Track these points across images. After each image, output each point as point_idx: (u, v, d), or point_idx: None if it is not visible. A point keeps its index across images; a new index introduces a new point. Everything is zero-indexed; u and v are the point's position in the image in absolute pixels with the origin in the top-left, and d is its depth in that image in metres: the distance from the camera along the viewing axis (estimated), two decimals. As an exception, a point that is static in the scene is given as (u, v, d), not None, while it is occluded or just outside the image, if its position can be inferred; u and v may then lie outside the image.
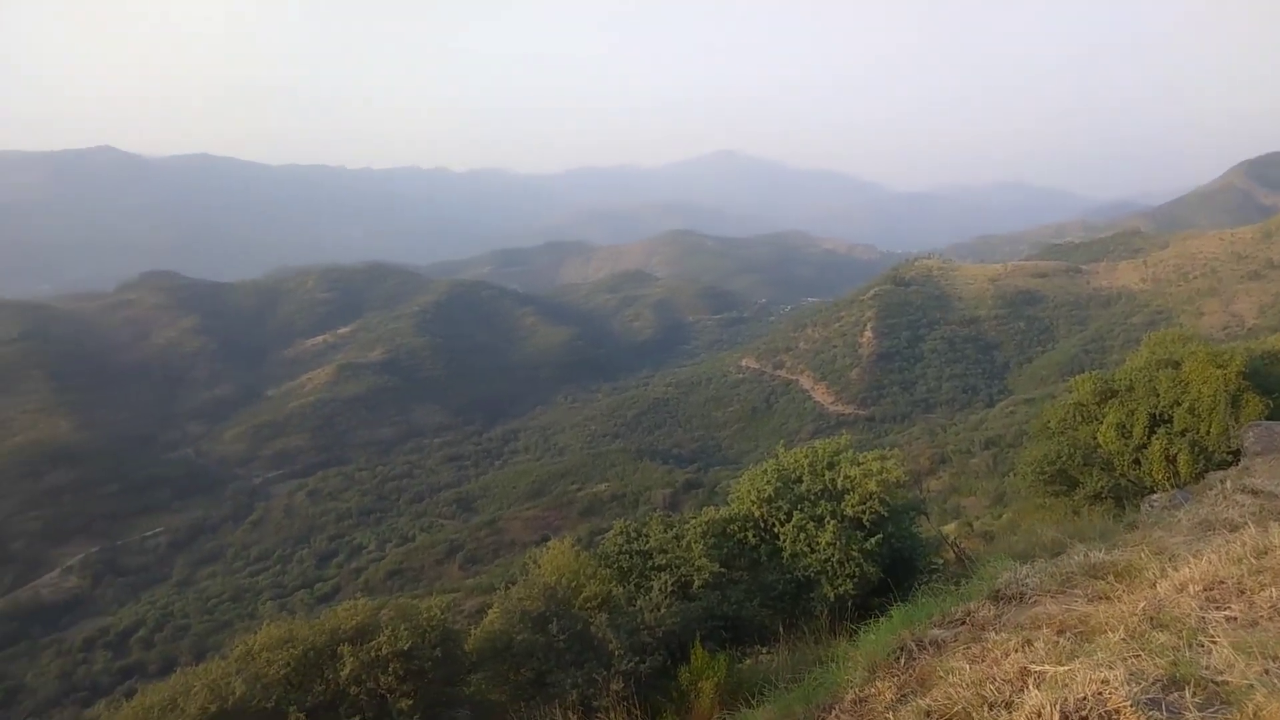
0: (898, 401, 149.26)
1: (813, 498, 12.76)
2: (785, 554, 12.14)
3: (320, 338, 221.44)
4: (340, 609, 9.99)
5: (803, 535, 12.12)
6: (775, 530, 12.60)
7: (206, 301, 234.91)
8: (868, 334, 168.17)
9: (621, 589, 11.58)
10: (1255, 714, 3.04)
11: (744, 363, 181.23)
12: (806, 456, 13.68)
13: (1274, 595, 4.27)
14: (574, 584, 11.08)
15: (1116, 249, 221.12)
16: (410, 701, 8.81)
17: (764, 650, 10.81)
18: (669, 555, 12.11)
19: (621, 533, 13.09)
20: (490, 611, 11.30)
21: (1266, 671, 3.41)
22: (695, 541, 12.03)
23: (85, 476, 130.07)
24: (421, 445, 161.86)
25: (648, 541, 12.61)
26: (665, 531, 12.75)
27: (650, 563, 12.19)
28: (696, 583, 11.55)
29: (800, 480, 13.20)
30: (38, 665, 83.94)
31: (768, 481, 13.12)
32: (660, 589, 10.86)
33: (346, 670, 8.89)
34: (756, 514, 12.83)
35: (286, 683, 9.07)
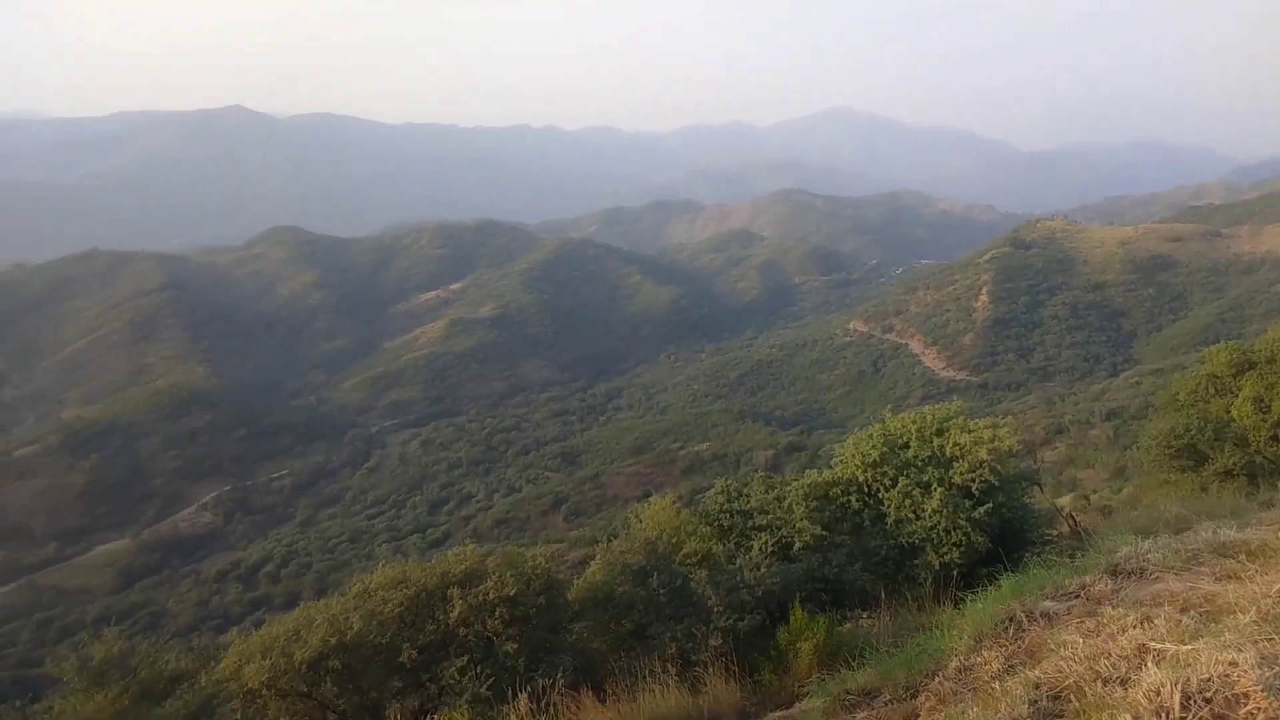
0: (1013, 369, 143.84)
1: (920, 464, 12.48)
2: (890, 519, 11.96)
3: (433, 293, 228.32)
4: (450, 554, 10.40)
5: (908, 501, 11.91)
6: (880, 495, 12.41)
7: (327, 256, 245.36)
8: (983, 298, 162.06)
9: (721, 547, 11.65)
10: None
11: (852, 325, 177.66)
12: (915, 422, 13.35)
13: None
14: (675, 540, 11.22)
15: (1262, 211, 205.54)
16: (515, 645, 9.13)
17: (865, 615, 10.73)
18: (770, 516, 12.08)
19: (723, 492, 13.13)
20: (593, 563, 11.57)
21: None
22: (797, 503, 11.96)
23: (218, 420, 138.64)
24: (529, 400, 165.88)
25: (749, 501, 12.61)
26: (767, 492, 12.72)
27: (751, 523, 12.20)
28: (797, 544, 11.50)
29: (907, 446, 12.92)
30: (177, 593, 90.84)
31: (873, 446, 12.88)
32: (760, 549, 10.86)
33: (456, 612, 9.29)
34: (861, 478, 12.64)
35: (400, 621, 9.55)
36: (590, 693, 8.00)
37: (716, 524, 12.42)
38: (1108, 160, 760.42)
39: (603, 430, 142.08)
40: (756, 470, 66.17)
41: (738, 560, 10.50)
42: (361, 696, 9.52)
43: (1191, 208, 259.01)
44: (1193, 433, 22.59)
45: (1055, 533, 13.18)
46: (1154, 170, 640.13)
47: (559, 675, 8.28)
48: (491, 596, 9.33)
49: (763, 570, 9.99)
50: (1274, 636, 3.57)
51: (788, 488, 12.77)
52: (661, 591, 9.58)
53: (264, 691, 9.07)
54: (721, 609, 9.19)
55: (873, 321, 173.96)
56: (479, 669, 8.80)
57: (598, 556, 11.49)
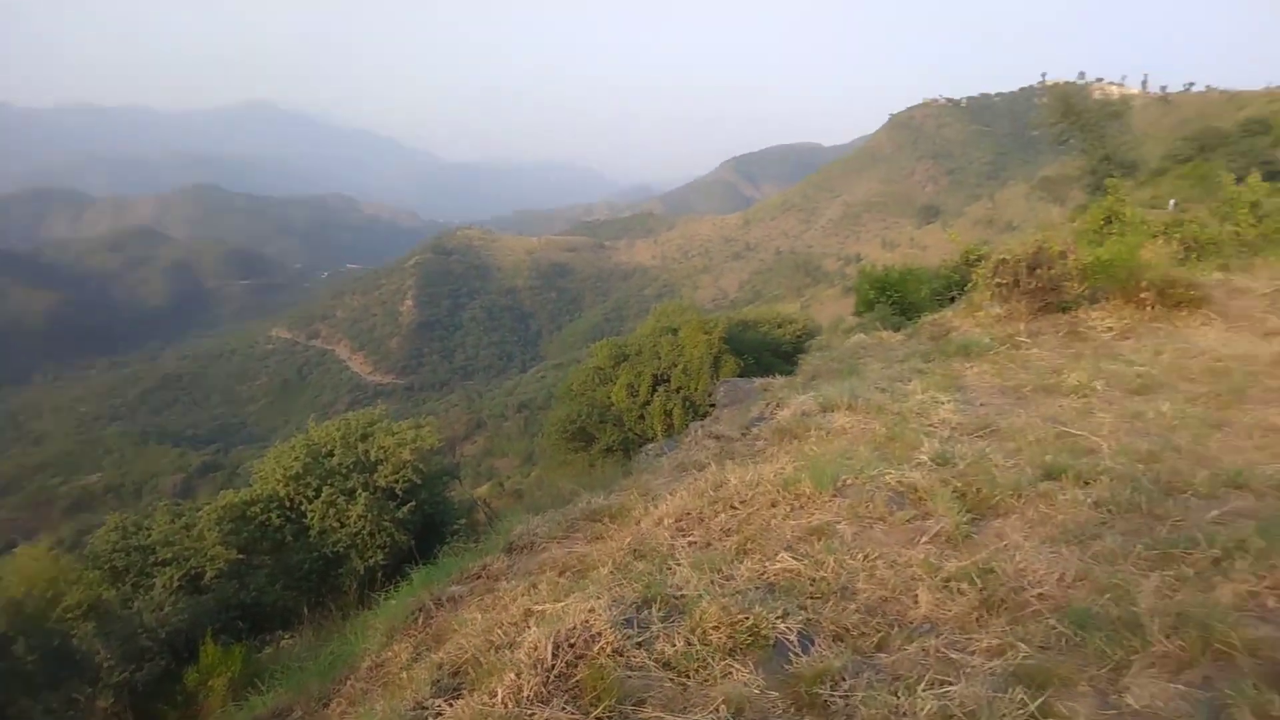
0: (437, 369, 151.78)
1: (344, 471, 12.44)
2: (313, 532, 11.68)
3: None
4: None
5: (332, 511, 11.78)
6: (303, 509, 12.05)
7: None
8: (408, 302, 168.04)
9: (115, 591, 10.14)
10: (701, 616, 3.63)
11: (275, 332, 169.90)
12: (339, 429, 13.30)
13: (724, 520, 5.10)
14: (51, 594, 9.42)
15: (635, 228, 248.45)
16: None
17: (287, 635, 10.28)
18: (176, 547, 10.92)
19: (116, 528, 11.50)
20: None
21: (713, 582, 4.08)
22: (209, 529, 11.00)
23: None
24: None
25: (150, 535, 11.24)
26: (172, 522, 11.50)
27: (153, 558, 10.87)
28: (209, 573, 10.59)
29: (332, 454, 12.77)
30: None
31: (296, 458, 12.50)
32: (164, 585, 9.74)
33: None
34: (282, 493, 12.15)
35: None
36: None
37: (108, 566, 10.80)
38: (518, 176, 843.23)
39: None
40: (162, 498, 59.17)
41: (135, 603, 9.24)
42: None
43: (583, 223, 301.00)
44: (583, 417, 26.32)
45: (465, 522, 14.14)
46: (555, 188, 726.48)
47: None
48: None
49: (167, 609, 8.96)
50: (623, 582, 4.24)
51: (198, 513, 11.69)
52: (30, 659, 7.95)
53: None
54: (114, 662, 7.98)
55: (298, 327, 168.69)
56: None
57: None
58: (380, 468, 12.57)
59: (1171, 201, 27.48)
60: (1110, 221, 15.00)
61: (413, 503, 12.26)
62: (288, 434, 15.79)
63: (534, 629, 3.78)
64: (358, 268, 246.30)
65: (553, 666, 3.46)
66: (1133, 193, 22.28)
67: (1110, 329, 9.03)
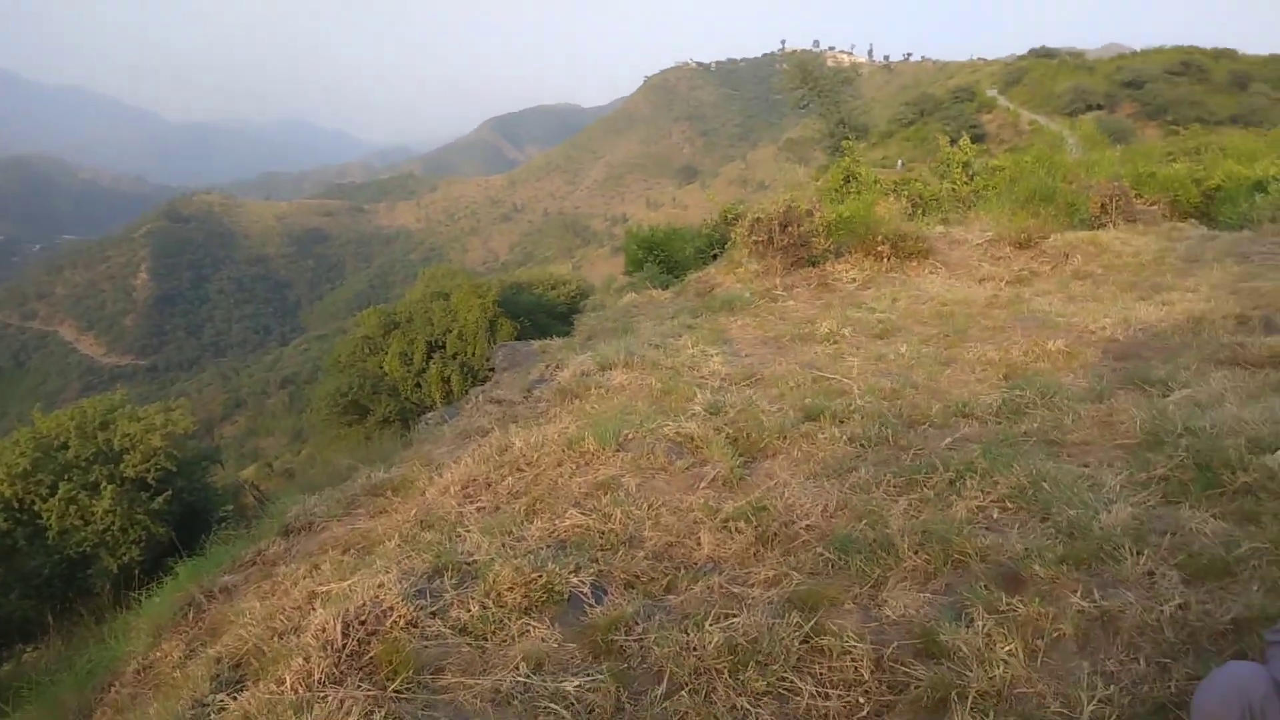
0: (184, 347, 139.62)
1: (84, 464, 11.31)
2: (52, 533, 10.54)
3: None
4: None
5: (73, 508, 10.67)
6: (36, 509, 10.80)
7: None
8: (143, 275, 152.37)
9: None
10: (494, 579, 3.67)
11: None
12: (73, 418, 12.09)
13: (512, 483, 5.14)
14: None
15: (395, 190, 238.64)
16: None
17: (30, 648, 9.23)
18: None
19: None
20: None
21: (504, 545, 4.12)
22: (-84, 541, 9.59)
23: None
24: None
25: None
26: None
27: None
28: (-78, 592, 9.28)
29: (66, 446, 11.53)
30: None
31: (22, 454, 11.22)
32: None
33: None
34: (8, 494, 10.83)
35: None
36: None
37: None
38: (258, 136, 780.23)
39: None
40: None
41: None
42: None
43: (337, 185, 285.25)
44: (355, 389, 25.32)
45: (232, 508, 13.28)
46: (302, 149, 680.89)
47: None
48: None
49: None
50: (412, 554, 4.19)
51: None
52: None
53: None
54: None
55: (9, 308, 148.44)
56: None
57: None
58: (127, 457, 11.53)
59: (899, 161, 30.43)
60: (849, 181, 16.40)
61: (169, 492, 11.36)
62: (8, 429, 14.05)
63: (320, 610, 3.66)
64: (77, 239, 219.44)
65: (344, 646, 3.37)
66: (866, 154, 24.35)
67: (854, 280, 9.92)
